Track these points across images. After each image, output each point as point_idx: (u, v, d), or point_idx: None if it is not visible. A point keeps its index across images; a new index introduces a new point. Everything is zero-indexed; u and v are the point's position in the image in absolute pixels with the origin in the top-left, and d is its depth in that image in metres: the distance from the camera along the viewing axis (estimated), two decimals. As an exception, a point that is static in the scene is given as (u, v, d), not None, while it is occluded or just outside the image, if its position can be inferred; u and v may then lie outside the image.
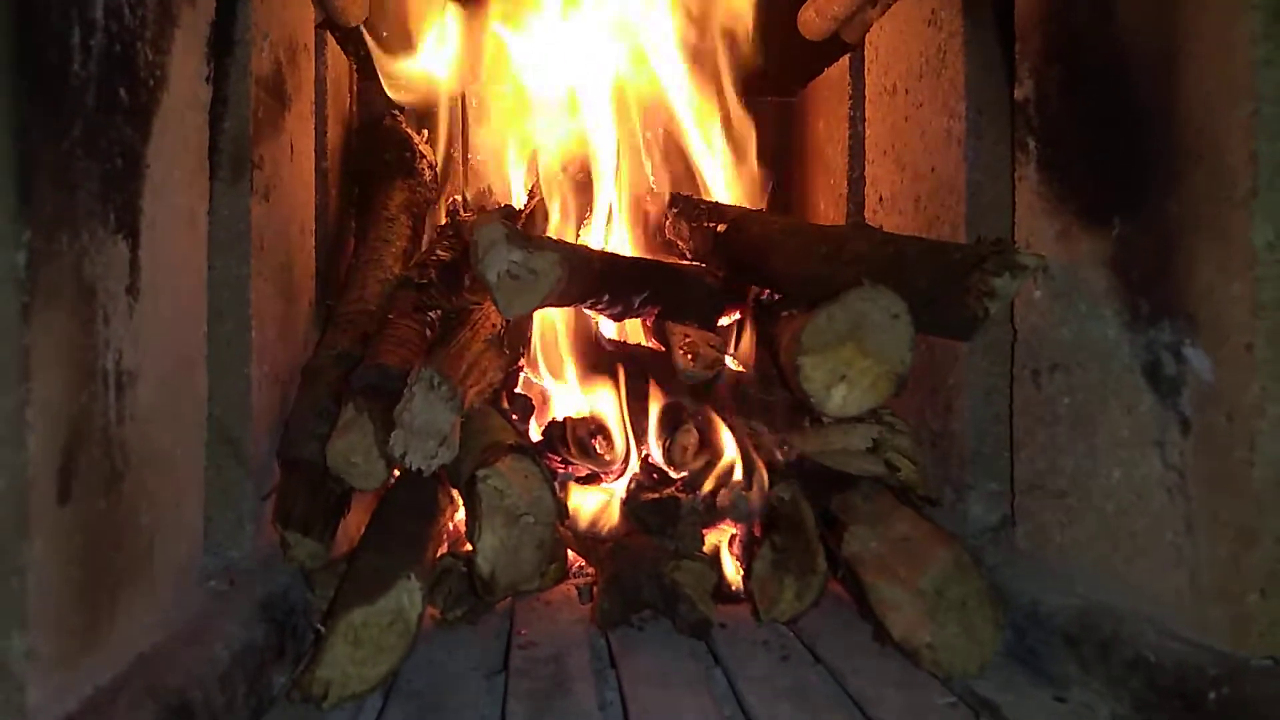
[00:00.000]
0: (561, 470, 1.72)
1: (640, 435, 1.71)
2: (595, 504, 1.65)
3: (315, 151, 1.88)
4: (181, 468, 1.22)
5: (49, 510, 0.89)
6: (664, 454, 1.63)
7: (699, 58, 2.41)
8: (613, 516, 1.62)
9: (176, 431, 1.20)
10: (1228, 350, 1.06)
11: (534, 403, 1.89)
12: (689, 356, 1.61)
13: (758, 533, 1.56)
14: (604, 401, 1.74)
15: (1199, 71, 1.11)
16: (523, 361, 1.89)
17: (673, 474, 1.65)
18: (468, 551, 1.38)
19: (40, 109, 0.88)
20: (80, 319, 0.95)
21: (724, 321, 1.93)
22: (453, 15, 2.37)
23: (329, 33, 2.03)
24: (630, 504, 1.60)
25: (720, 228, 2.00)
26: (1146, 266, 1.19)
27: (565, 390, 1.86)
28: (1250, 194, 1.02)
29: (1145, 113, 1.19)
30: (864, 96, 2.11)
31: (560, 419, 1.78)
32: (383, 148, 2.26)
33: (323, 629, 1.24)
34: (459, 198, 2.40)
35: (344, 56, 2.21)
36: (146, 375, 1.09)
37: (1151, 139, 1.18)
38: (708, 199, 2.29)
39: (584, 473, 1.72)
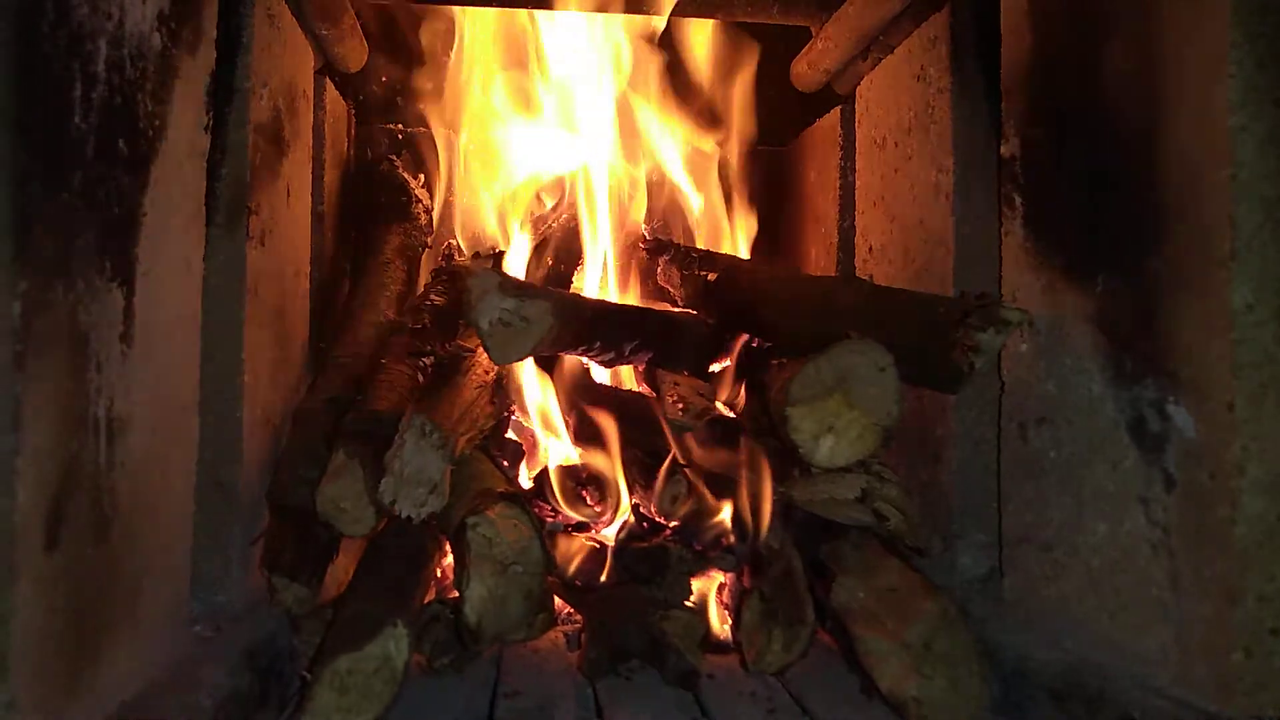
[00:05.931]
0: (551, 519, 1.72)
1: (630, 484, 1.71)
2: (584, 552, 1.64)
3: (312, 196, 1.90)
4: (170, 513, 1.22)
5: (36, 557, 0.89)
6: (654, 502, 1.63)
7: (694, 105, 2.46)
8: (602, 565, 1.62)
9: (166, 477, 1.20)
10: (1209, 409, 1.07)
11: (524, 448, 1.89)
12: (679, 405, 1.62)
13: (747, 582, 1.56)
14: (594, 449, 1.74)
15: (1179, 135, 1.13)
16: (514, 406, 1.89)
17: (662, 522, 1.65)
18: (455, 598, 1.38)
19: (39, 160, 0.89)
20: (73, 367, 0.95)
21: (715, 368, 1.94)
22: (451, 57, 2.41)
23: (328, 78, 2.06)
24: (619, 553, 1.60)
25: (711, 276, 2.02)
26: (1130, 323, 1.21)
27: (556, 437, 1.87)
28: (1229, 256, 1.04)
29: (1128, 172, 1.22)
30: (854, 148, 2.13)
31: (551, 467, 1.78)
32: (379, 192, 2.29)
33: (308, 675, 1.23)
34: (454, 242, 2.42)
35: (343, 101, 2.24)
36: (138, 422, 1.09)
37: (1134, 198, 1.20)
38: (699, 247, 2.32)
39: (574, 521, 1.72)
